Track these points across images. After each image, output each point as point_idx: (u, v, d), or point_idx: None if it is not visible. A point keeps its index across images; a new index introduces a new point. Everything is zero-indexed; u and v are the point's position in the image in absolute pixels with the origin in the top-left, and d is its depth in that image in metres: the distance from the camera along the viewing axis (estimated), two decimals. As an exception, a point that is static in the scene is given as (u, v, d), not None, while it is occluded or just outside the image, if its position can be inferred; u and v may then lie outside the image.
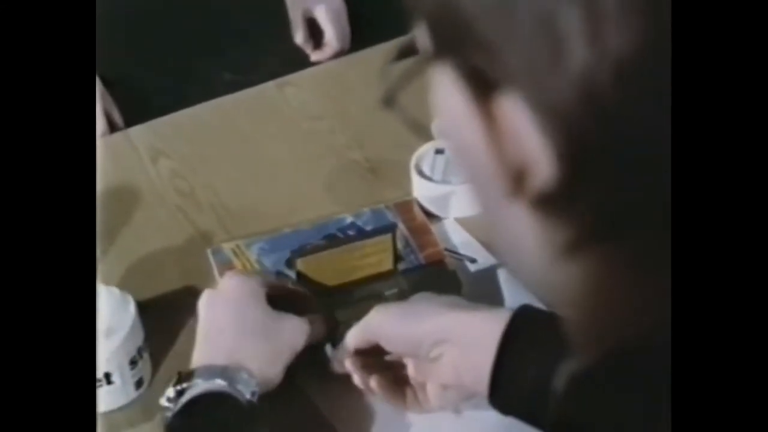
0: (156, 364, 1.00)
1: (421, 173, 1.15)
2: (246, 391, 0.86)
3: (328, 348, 0.96)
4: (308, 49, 1.52)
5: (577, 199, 0.43)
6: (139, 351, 0.97)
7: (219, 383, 0.85)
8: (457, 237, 1.11)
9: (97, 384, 0.94)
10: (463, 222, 1.13)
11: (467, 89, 0.44)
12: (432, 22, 0.45)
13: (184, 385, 0.86)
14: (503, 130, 0.43)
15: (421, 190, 1.15)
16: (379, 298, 1.01)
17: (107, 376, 0.95)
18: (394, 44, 0.50)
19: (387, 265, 1.04)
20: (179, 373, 0.87)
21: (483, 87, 0.43)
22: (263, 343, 0.89)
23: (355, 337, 0.92)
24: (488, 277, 1.05)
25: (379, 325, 0.90)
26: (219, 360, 0.87)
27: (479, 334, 0.84)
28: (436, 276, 1.04)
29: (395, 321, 0.89)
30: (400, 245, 1.06)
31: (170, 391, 0.86)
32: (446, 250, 1.09)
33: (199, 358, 0.89)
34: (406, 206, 1.16)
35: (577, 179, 0.42)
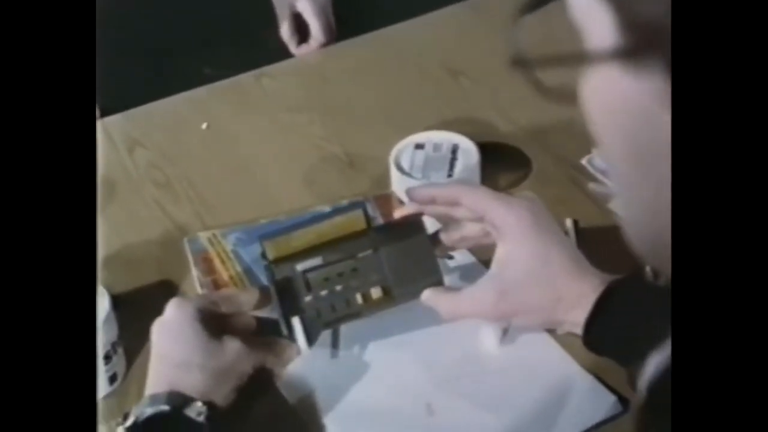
0: (130, 359, 0.99)
1: (400, 168, 1.15)
2: (193, 414, 0.86)
3: (296, 322, 0.94)
4: (293, 43, 1.50)
5: None
6: (113, 346, 0.96)
7: (165, 408, 0.86)
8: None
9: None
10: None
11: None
12: (632, 26, 0.44)
13: (133, 417, 0.86)
14: None
15: (400, 185, 1.14)
16: (352, 259, 0.98)
17: (81, 371, 0.94)
18: None
19: (360, 226, 0.98)
20: (125, 414, 0.87)
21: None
22: (203, 370, 0.89)
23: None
24: (465, 273, 1.05)
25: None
26: (162, 389, 0.88)
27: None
28: (405, 228, 0.99)
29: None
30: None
31: (120, 430, 0.87)
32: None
33: (147, 389, 0.89)
34: (384, 199, 1.15)
35: None
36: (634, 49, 0.43)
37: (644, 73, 0.43)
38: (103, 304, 0.95)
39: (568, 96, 0.47)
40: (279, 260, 0.96)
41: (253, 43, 1.50)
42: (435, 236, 1.00)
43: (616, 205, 1.11)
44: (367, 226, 0.98)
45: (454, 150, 1.17)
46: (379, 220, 1.11)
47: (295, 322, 0.95)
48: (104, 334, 0.95)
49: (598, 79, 0.46)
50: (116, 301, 0.97)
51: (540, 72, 0.46)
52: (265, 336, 0.96)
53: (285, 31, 1.49)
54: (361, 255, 0.98)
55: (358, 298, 0.97)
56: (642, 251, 0.51)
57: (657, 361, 0.50)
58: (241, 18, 1.52)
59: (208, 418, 0.86)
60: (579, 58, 0.45)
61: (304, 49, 1.49)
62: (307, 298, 0.97)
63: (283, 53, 1.49)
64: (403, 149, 1.17)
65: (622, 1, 0.43)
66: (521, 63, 0.46)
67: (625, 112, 0.46)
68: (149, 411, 0.86)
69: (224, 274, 1.08)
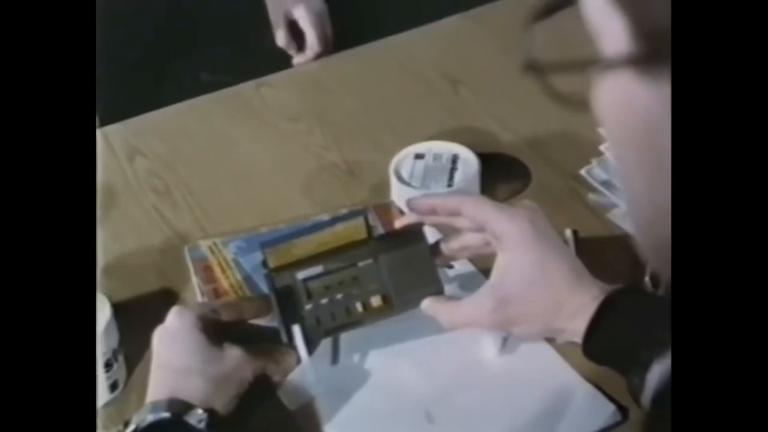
0: (131, 366, 0.99)
1: (400, 178, 1.15)
2: (193, 421, 0.86)
3: (297, 329, 0.95)
4: (293, 50, 1.50)
5: None
6: (114, 354, 0.96)
7: (165, 415, 0.86)
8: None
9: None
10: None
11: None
12: (646, 33, 0.44)
13: (134, 424, 0.86)
14: None
15: (400, 195, 1.14)
16: (352, 268, 0.98)
17: (81, 378, 0.94)
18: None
19: (361, 235, 0.98)
20: (126, 422, 0.88)
21: None
22: (202, 377, 0.89)
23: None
24: (465, 282, 1.05)
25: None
26: (163, 397, 0.88)
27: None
28: (406, 237, 1.00)
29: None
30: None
31: None
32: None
33: (148, 396, 0.89)
34: (384, 209, 1.15)
35: None
36: (647, 56, 0.44)
37: (658, 81, 0.43)
38: (104, 312, 0.95)
39: (581, 102, 0.47)
40: (279, 268, 0.96)
41: (250, 48, 1.51)
42: (435, 246, 1.00)
43: (615, 215, 1.11)
44: (368, 235, 0.98)
45: (454, 160, 1.17)
46: (380, 229, 1.11)
47: (296, 330, 0.95)
48: (105, 342, 0.95)
49: (611, 85, 0.46)
50: (117, 308, 0.97)
51: (553, 78, 0.46)
52: (266, 344, 0.96)
53: (281, 38, 1.49)
54: (361, 264, 0.98)
55: (359, 306, 0.98)
56: (652, 259, 0.51)
57: (659, 372, 0.50)
58: (238, 24, 1.52)
59: (208, 425, 0.86)
60: (592, 64, 0.45)
61: (300, 58, 1.49)
62: (308, 307, 0.97)
63: (280, 59, 1.49)
64: (403, 159, 1.17)
65: (636, 9, 0.44)
66: (534, 69, 0.46)
67: (637, 119, 0.46)
68: (150, 418, 0.86)
69: (225, 283, 1.08)
